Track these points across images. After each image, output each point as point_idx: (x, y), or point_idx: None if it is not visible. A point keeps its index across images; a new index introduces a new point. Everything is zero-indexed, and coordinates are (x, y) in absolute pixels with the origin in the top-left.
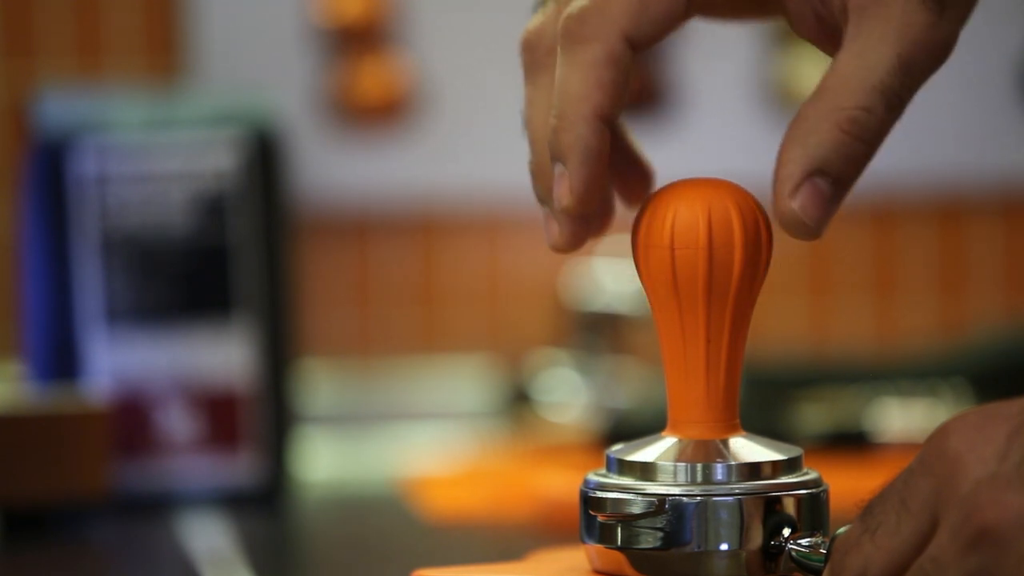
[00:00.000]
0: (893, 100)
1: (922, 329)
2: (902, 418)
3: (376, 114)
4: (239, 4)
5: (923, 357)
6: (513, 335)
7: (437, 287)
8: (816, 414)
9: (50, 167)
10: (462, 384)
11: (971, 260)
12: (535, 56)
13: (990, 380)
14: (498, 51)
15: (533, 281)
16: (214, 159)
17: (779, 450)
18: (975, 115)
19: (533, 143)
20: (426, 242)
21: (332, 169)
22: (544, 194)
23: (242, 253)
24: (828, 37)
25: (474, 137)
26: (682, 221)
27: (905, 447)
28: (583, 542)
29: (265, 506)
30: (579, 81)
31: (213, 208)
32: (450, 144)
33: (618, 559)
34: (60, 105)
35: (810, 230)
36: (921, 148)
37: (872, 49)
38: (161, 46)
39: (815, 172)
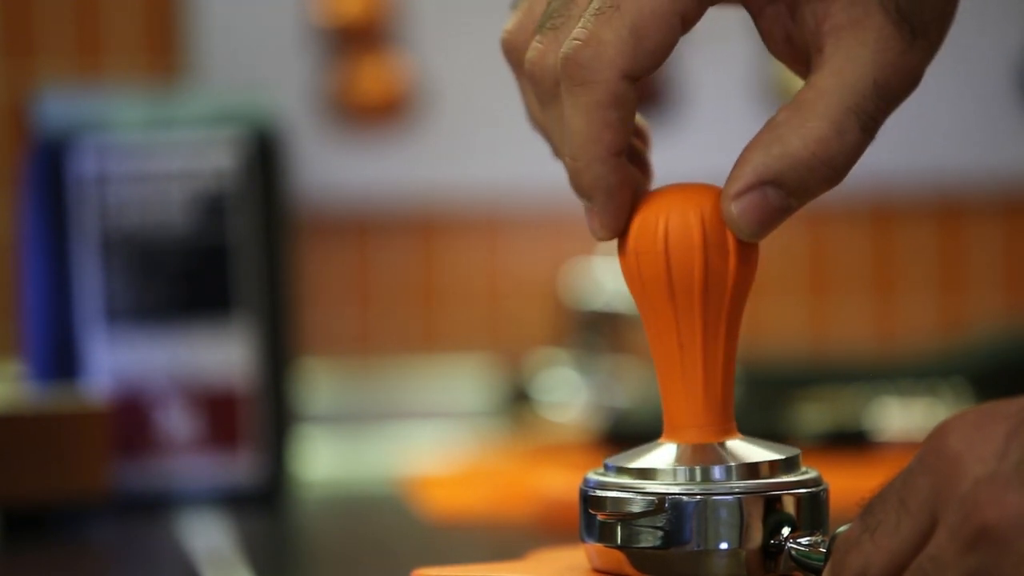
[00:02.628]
0: (868, 123)
1: (922, 329)
2: (902, 417)
3: (376, 114)
4: (239, 4)
5: (923, 357)
6: (513, 335)
7: (437, 287)
8: (816, 414)
9: (50, 167)
10: (462, 384)
11: (971, 260)
12: (544, 87)
13: (990, 380)
14: (498, 51)
15: (533, 281)
16: (214, 159)
17: (777, 451)
18: (975, 115)
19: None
20: (426, 242)
21: (332, 169)
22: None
23: (242, 253)
24: (797, 58)
25: (474, 137)
26: (640, 225)
27: (905, 446)
28: (583, 541)
29: (265, 506)
30: (586, 124)
31: (213, 208)
32: (450, 144)
33: (618, 558)
34: (60, 105)
35: (745, 235)
36: (921, 148)
37: (850, 70)
38: (161, 46)
39: (768, 182)
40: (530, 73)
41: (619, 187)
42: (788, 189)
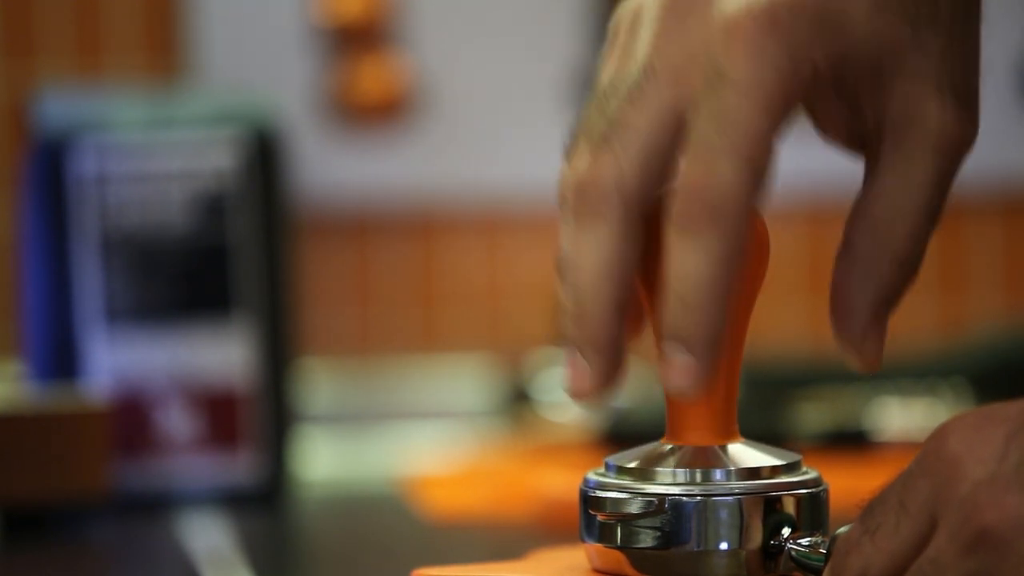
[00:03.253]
0: (935, 215)
1: (922, 329)
2: (902, 417)
3: (376, 114)
4: (239, 4)
5: (923, 357)
6: (513, 335)
7: (437, 287)
8: (816, 414)
9: (50, 167)
10: (462, 384)
11: (971, 260)
12: (593, 206)
13: (990, 380)
14: (498, 51)
15: (533, 281)
16: (214, 159)
17: (779, 456)
18: None
19: (574, 288)
20: (426, 242)
21: (332, 169)
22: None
23: (242, 253)
24: (859, 145)
25: (474, 137)
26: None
27: (905, 446)
28: (583, 541)
29: (265, 506)
30: (595, 263)
31: (213, 208)
32: (450, 144)
33: (618, 558)
34: (60, 105)
35: (874, 367)
36: None
37: (914, 169)
38: (161, 46)
39: (883, 315)
40: (582, 190)
41: (620, 346)
42: (894, 304)
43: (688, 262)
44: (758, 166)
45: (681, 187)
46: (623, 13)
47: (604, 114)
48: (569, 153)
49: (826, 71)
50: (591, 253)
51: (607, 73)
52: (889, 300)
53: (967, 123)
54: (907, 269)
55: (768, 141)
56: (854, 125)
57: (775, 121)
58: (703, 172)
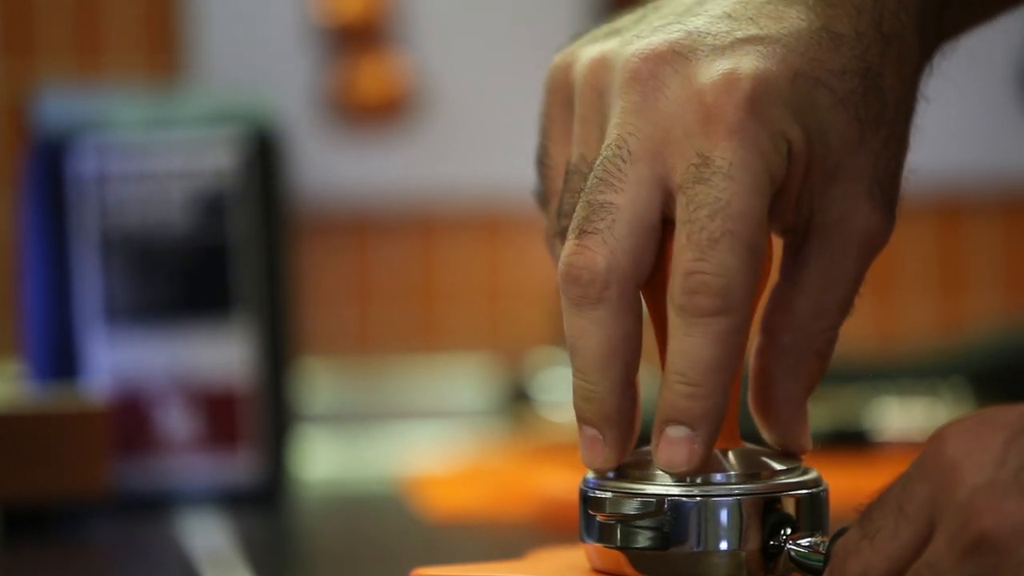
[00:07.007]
0: (851, 308)
1: (922, 329)
2: (902, 417)
3: (376, 113)
4: (239, 4)
5: (923, 356)
6: (512, 334)
7: (437, 286)
8: (816, 413)
9: (49, 166)
10: (462, 383)
11: (971, 260)
12: (587, 291)
13: (990, 380)
14: (498, 51)
15: (533, 280)
16: (214, 158)
17: (778, 459)
18: (975, 115)
19: (582, 372)
20: (426, 241)
21: (332, 168)
22: (596, 420)
23: (242, 252)
24: (781, 231)
25: (474, 136)
26: None
27: (905, 446)
28: (582, 541)
29: (265, 505)
30: (600, 344)
31: (213, 207)
32: (450, 143)
33: (617, 558)
34: (60, 104)
35: (805, 452)
36: (921, 148)
37: (838, 267)
38: (161, 45)
39: (806, 402)
40: (575, 278)
41: (630, 418)
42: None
43: (694, 345)
44: (756, 248)
45: (683, 275)
46: (559, 69)
47: (583, 198)
48: (552, 242)
49: (799, 151)
50: (595, 336)
51: (573, 150)
52: (812, 390)
53: (889, 222)
54: (826, 361)
55: (763, 221)
56: (786, 214)
57: (765, 200)
58: (703, 260)
